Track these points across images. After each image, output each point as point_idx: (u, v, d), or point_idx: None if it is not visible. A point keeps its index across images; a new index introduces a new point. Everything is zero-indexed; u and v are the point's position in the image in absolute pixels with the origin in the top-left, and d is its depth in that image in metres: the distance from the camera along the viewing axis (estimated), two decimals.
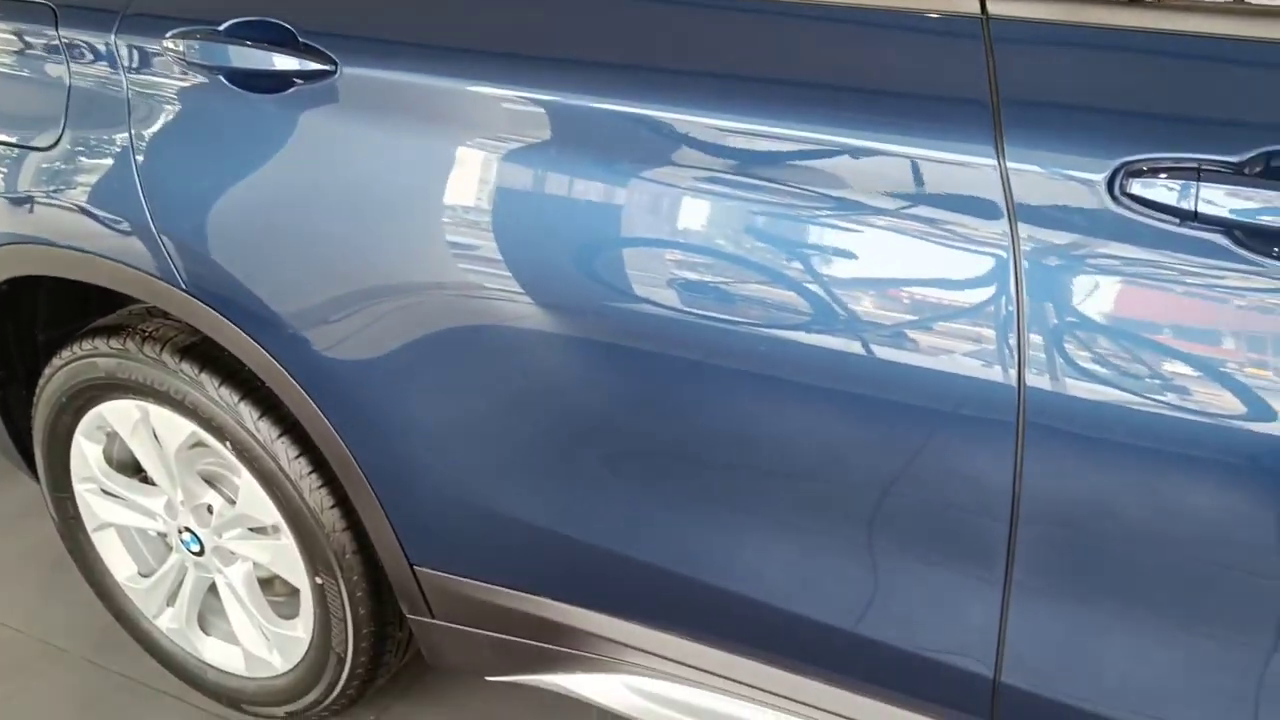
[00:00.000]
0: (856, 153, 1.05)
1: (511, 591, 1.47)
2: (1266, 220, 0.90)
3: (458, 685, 1.88)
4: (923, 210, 1.03)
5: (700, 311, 1.14)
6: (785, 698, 1.35)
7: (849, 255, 1.07)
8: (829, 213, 1.07)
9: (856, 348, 1.08)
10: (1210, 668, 1.09)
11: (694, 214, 1.13)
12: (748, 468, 1.22)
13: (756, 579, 1.29)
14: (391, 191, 1.26)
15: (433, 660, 1.62)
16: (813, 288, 1.09)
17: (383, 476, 1.44)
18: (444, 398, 1.34)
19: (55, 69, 1.46)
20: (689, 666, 1.41)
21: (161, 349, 1.55)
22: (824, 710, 1.33)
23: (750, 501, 1.24)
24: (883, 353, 1.07)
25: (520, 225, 1.21)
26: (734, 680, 1.38)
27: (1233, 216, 0.91)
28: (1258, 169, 0.90)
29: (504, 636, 1.52)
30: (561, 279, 1.20)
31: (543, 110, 1.18)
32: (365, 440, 1.43)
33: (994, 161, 0.98)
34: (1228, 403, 0.96)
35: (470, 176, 1.22)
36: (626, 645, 1.44)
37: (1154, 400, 0.98)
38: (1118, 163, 0.94)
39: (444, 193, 1.23)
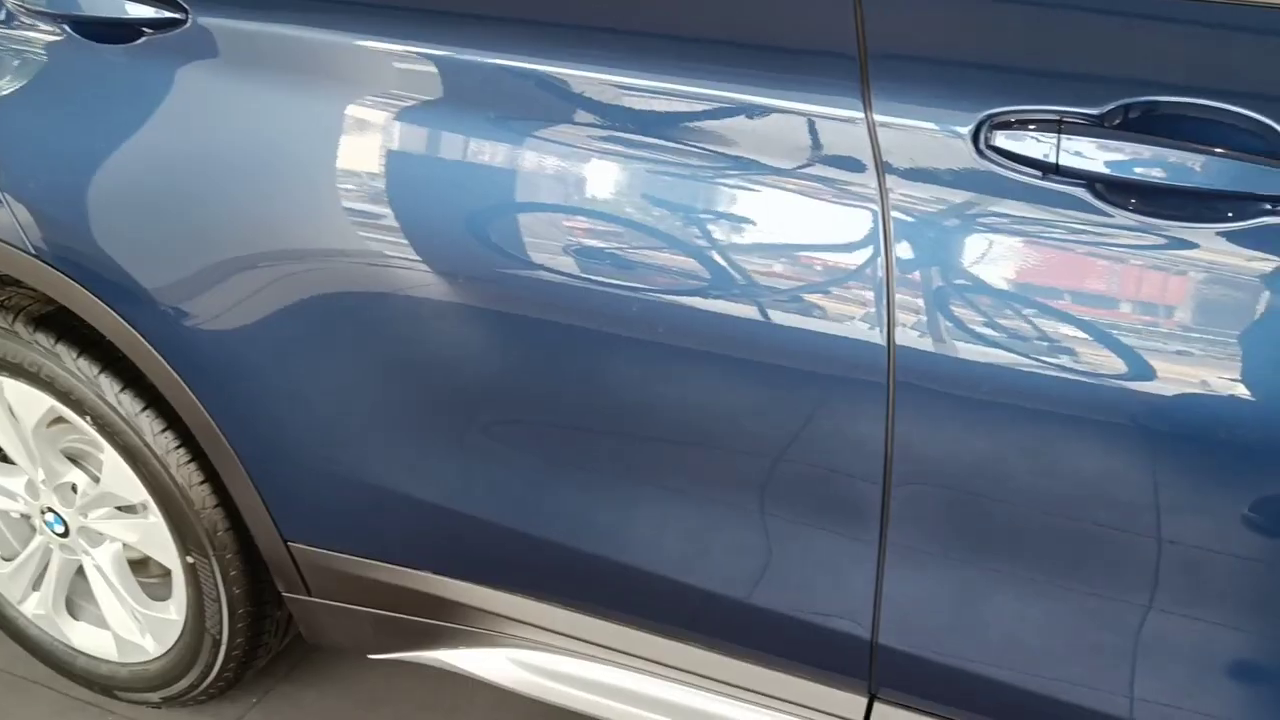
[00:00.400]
0: (726, 106, 1.03)
1: (392, 566, 1.43)
2: (1124, 173, 0.90)
3: (344, 664, 1.83)
4: (792, 166, 1.01)
5: (577, 274, 1.11)
6: (670, 666, 1.34)
7: (720, 214, 1.05)
8: (700, 170, 1.05)
9: (729, 309, 1.06)
10: (1088, 625, 1.10)
11: (578, 174, 1.09)
12: (631, 436, 1.20)
13: (641, 548, 1.27)
14: (252, 153, 1.20)
15: (312, 639, 1.58)
16: (684, 247, 1.07)
17: (254, 451, 1.39)
18: (320, 369, 1.29)
19: None
20: (573, 638, 1.39)
21: (14, 318, 1.47)
22: (708, 677, 1.32)
23: (635, 470, 1.22)
24: (754, 313, 1.05)
25: (400, 187, 1.16)
26: (619, 651, 1.36)
27: (1093, 169, 0.91)
28: (1116, 121, 0.90)
29: (385, 613, 1.48)
30: (445, 243, 1.16)
31: (418, 65, 1.13)
32: (235, 414, 1.37)
33: (861, 115, 0.97)
34: (1094, 358, 0.96)
35: (332, 135, 1.17)
36: (511, 619, 1.41)
37: (1022, 357, 0.97)
38: (982, 115, 0.94)
39: (309, 154, 1.18)
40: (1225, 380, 0.92)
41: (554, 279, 1.11)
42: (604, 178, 1.09)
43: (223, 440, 1.39)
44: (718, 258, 1.05)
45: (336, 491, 1.39)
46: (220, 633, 1.57)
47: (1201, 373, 0.93)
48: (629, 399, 1.16)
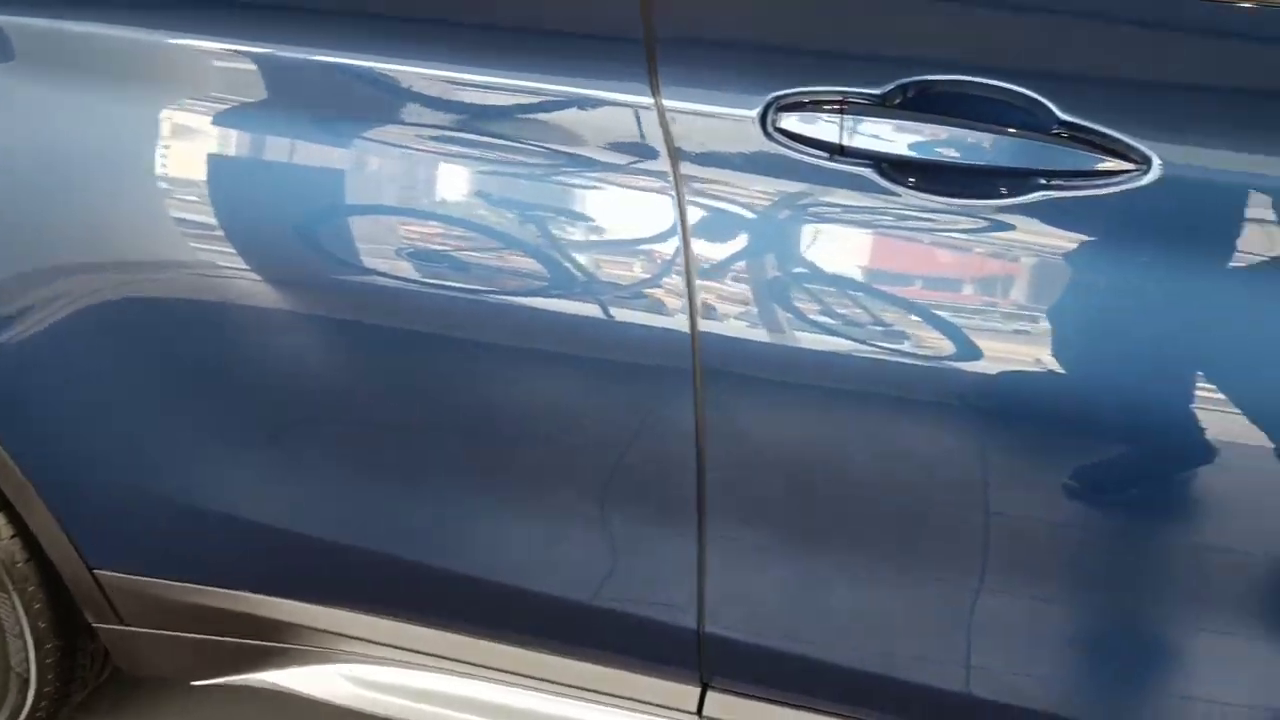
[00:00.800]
0: (520, 97, 1.01)
1: (209, 588, 1.36)
2: (904, 151, 0.91)
3: (175, 694, 1.75)
4: (589, 156, 1.00)
5: (389, 275, 1.07)
6: (504, 670, 1.32)
7: (520, 206, 1.03)
8: (499, 162, 1.03)
9: (532, 303, 1.04)
10: (915, 603, 1.11)
11: (385, 171, 1.07)
12: (447, 438, 1.17)
13: (465, 553, 1.24)
14: (40, 157, 1.14)
15: (131, 670, 1.50)
16: (487, 240, 1.04)
17: (50, 476, 1.31)
18: (124, 385, 1.23)
19: None
20: (405, 649, 1.35)
21: None
22: (542, 679, 1.30)
23: (455, 474, 1.19)
24: (558, 306, 1.03)
25: (217, 190, 1.11)
26: (452, 659, 1.33)
27: (876, 149, 0.92)
28: (897, 101, 0.91)
29: (206, 637, 1.41)
30: (259, 247, 1.11)
31: (231, 62, 1.08)
32: (26, 438, 1.29)
33: (650, 101, 0.96)
34: (889, 336, 0.96)
35: (129, 137, 1.11)
36: (339, 634, 1.37)
37: (822, 336, 0.98)
38: (768, 98, 0.93)
39: (107, 156, 1.12)
40: (1015, 354, 0.94)
41: (366, 280, 1.08)
42: (404, 173, 1.05)
43: (13, 468, 1.30)
44: (519, 250, 1.03)
45: (145, 514, 1.32)
46: (27, 670, 1.48)
47: (995, 346, 0.94)
48: (445, 401, 1.14)
